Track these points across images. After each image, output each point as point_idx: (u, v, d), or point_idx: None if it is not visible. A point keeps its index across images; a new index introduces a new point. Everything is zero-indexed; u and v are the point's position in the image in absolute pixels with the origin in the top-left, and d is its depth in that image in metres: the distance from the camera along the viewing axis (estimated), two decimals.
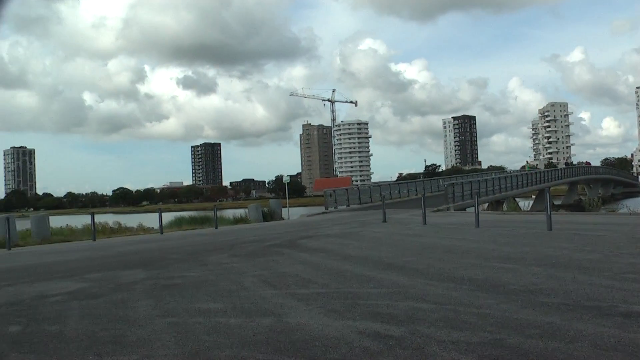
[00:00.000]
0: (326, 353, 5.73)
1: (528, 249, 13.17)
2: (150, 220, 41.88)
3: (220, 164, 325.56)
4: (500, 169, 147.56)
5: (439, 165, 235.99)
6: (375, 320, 6.94)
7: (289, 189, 58.61)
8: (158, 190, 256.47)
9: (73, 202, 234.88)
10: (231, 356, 5.83)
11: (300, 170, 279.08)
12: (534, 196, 65.28)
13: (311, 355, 5.69)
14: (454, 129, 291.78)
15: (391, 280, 9.92)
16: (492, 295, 8.07)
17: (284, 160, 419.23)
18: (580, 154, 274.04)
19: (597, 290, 7.97)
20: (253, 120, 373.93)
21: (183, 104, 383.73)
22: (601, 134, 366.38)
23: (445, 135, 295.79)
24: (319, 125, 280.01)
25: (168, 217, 40.97)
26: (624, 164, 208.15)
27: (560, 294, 7.86)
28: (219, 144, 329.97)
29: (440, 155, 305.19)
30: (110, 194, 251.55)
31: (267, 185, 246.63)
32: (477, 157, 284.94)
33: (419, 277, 9.96)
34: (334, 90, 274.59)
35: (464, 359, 5.31)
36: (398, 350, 5.69)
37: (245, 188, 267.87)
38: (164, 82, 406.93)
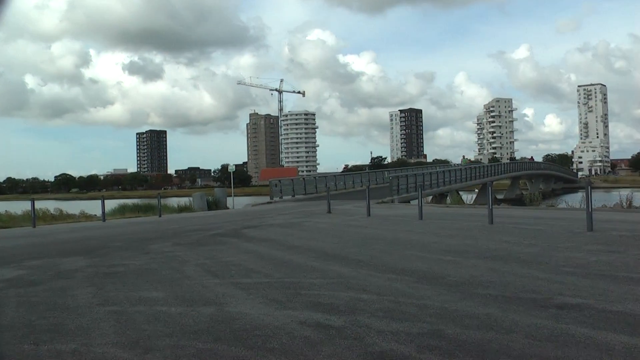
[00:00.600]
0: (267, 342, 5.75)
1: (469, 241, 13.37)
2: (93, 207, 41.33)
3: (166, 152, 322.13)
4: (445, 162, 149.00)
5: (385, 158, 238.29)
6: (316, 310, 6.98)
7: (234, 178, 58.33)
8: (102, 177, 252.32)
9: (13, 188, 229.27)
10: (171, 345, 5.80)
11: (246, 160, 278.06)
12: (476, 190, 66.22)
13: (251, 345, 5.70)
14: (401, 121, 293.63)
15: (334, 270, 9.98)
16: (433, 286, 8.20)
17: (230, 149, 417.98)
18: (523, 150, 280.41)
19: (534, 283, 8.16)
20: (200, 108, 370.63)
21: (128, 90, 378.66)
22: (544, 131, 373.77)
23: (392, 127, 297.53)
24: (266, 114, 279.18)
25: (111, 204, 40.43)
26: (564, 160, 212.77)
27: (498, 286, 8.02)
28: (165, 132, 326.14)
29: (386, 148, 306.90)
30: (53, 179, 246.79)
31: (213, 174, 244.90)
32: (423, 150, 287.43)
33: (361, 268, 10.04)
34: (281, 80, 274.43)
35: (403, 349, 5.38)
36: (338, 340, 5.74)
37: (191, 176, 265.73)
38: (109, 67, 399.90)
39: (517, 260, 10.24)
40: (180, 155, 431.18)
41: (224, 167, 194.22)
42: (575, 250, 11.13)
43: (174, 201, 45.15)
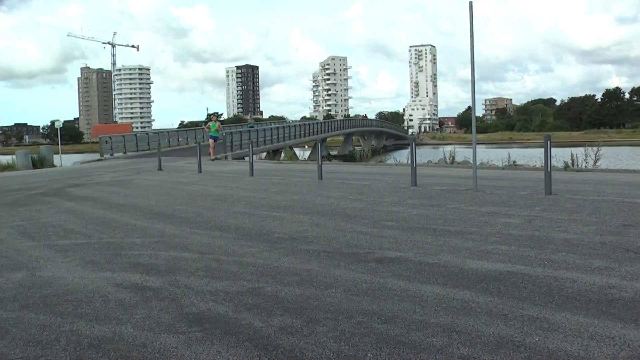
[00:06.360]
0: (78, 308, 5.48)
1: (297, 197, 13.44)
2: None
3: None
4: (281, 119, 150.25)
5: (221, 114, 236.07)
6: (135, 272, 6.76)
7: (64, 135, 55.83)
8: None
9: None
10: None
11: (78, 116, 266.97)
12: (307, 146, 67.35)
13: (61, 311, 5.40)
14: (237, 77, 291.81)
15: (157, 229, 9.72)
16: (257, 243, 8.13)
17: (60, 104, 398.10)
18: (357, 107, 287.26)
19: (357, 237, 8.27)
20: (24, 60, 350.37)
21: None
22: (377, 89, 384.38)
23: (228, 84, 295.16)
24: (98, 69, 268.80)
25: None
26: (397, 118, 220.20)
27: (322, 242, 8.08)
28: None
29: (222, 104, 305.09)
30: None
31: (42, 131, 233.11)
32: (259, 107, 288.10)
33: (185, 226, 9.84)
34: (115, 33, 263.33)
35: (220, 309, 5.26)
36: (154, 302, 5.55)
37: (17, 133, 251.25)
38: None
39: (341, 215, 10.38)
40: (5, 110, 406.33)
41: (53, 124, 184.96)
42: (398, 205, 11.43)
43: None
